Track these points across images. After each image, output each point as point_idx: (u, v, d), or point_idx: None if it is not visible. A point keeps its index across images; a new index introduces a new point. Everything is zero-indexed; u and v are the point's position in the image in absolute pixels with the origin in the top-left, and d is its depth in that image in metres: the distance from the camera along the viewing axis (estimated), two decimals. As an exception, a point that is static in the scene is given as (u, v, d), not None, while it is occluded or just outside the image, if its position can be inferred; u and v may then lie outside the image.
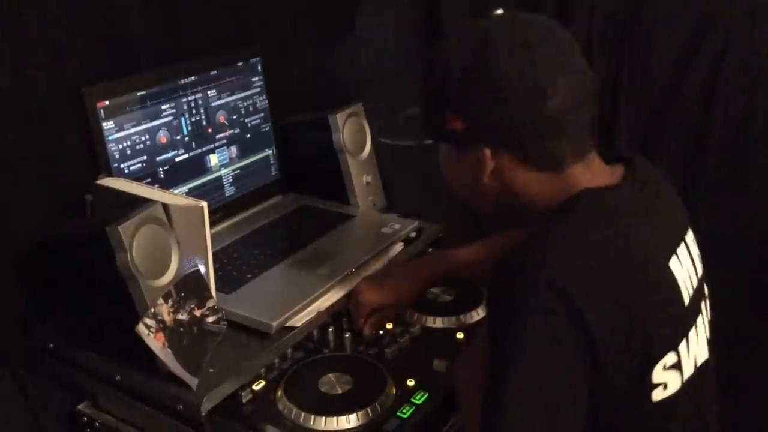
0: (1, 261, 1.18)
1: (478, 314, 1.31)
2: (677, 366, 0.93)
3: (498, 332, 0.90)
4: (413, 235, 1.45)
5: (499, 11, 1.01)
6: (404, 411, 1.08)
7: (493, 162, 0.96)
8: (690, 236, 1.02)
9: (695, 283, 0.99)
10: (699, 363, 0.97)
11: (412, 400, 1.10)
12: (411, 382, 1.13)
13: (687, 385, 0.94)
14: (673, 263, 0.95)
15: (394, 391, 1.12)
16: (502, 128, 0.94)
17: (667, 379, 0.92)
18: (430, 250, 1.49)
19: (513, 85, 0.91)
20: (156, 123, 1.33)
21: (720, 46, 1.66)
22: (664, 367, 0.91)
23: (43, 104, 1.22)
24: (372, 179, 1.57)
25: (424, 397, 1.11)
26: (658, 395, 0.92)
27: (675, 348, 0.93)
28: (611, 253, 0.89)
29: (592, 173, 0.97)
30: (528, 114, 0.92)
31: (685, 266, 0.97)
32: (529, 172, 0.96)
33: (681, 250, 0.97)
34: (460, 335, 1.26)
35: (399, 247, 1.41)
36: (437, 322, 1.29)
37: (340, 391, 1.12)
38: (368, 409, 1.07)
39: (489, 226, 2.00)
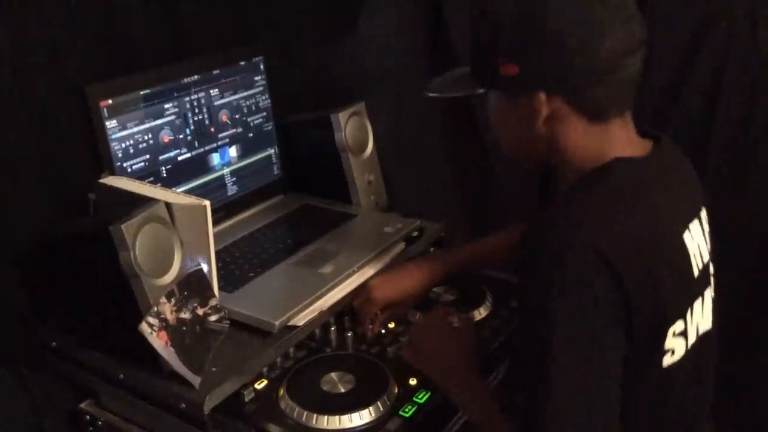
0: (3, 260, 1.18)
1: (480, 314, 1.31)
2: (684, 333, 0.97)
3: (537, 297, 0.90)
4: (415, 234, 1.46)
5: None
6: (406, 410, 1.08)
7: (547, 108, 0.97)
8: (704, 213, 1.05)
9: (705, 257, 1.02)
10: (701, 332, 1.01)
11: (414, 399, 1.11)
12: (413, 381, 1.14)
13: (690, 353, 0.98)
14: (687, 236, 0.98)
15: (396, 390, 1.12)
16: (557, 70, 0.94)
17: (674, 346, 0.96)
18: (432, 249, 1.49)
19: (569, 27, 0.92)
20: (159, 122, 1.33)
21: (721, 46, 1.66)
22: (674, 334, 0.95)
23: (46, 103, 1.21)
24: (374, 178, 1.57)
25: (426, 396, 1.11)
26: (666, 361, 0.95)
27: (683, 316, 0.97)
28: (638, 221, 0.93)
29: (627, 137, 1.00)
30: (583, 56, 0.93)
31: (696, 240, 1.00)
32: (578, 120, 0.97)
33: (694, 224, 1.01)
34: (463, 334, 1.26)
35: (401, 246, 1.41)
36: (439, 322, 1.30)
37: (342, 390, 1.13)
38: (370, 408, 1.08)
39: (491, 225, 2.01)
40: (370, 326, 1.25)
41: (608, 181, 0.96)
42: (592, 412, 0.89)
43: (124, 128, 1.27)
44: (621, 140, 0.99)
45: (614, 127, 0.98)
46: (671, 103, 1.73)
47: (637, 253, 0.90)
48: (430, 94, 1.10)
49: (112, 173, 1.25)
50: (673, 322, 0.95)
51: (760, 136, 1.68)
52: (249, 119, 1.52)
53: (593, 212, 0.92)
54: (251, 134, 1.53)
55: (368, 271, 1.31)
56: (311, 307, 1.21)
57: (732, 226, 1.70)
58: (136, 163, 1.30)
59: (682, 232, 0.98)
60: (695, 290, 1.00)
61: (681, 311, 0.96)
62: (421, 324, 1.22)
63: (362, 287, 1.27)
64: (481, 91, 1.02)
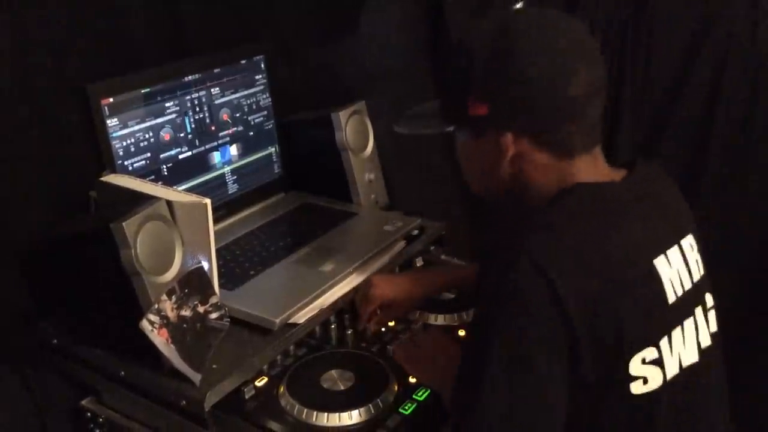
0: (5, 257, 1.19)
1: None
2: (658, 362, 0.95)
3: (481, 304, 0.94)
4: (415, 232, 1.46)
5: (519, 5, 1.04)
6: (406, 407, 1.09)
7: (513, 148, 0.98)
8: (688, 241, 1.03)
9: (687, 285, 1.00)
10: (685, 364, 0.98)
11: (414, 396, 1.11)
12: (413, 379, 1.14)
13: (671, 385, 0.96)
14: (660, 262, 0.97)
15: (396, 387, 1.12)
16: (526, 111, 0.96)
17: (646, 374, 0.94)
18: (432, 248, 1.49)
19: (538, 69, 0.94)
20: (160, 120, 1.34)
21: (721, 46, 1.66)
22: (643, 361, 0.93)
23: (47, 102, 1.22)
24: (374, 177, 1.57)
25: (426, 393, 1.11)
26: (637, 389, 0.93)
27: (655, 344, 0.94)
28: (593, 243, 0.93)
29: (596, 168, 1.01)
30: (552, 96, 0.95)
31: (675, 267, 0.98)
32: (544, 157, 0.98)
33: (673, 251, 0.99)
34: (461, 332, 1.27)
35: (401, 244, 1.42)
36: (439, 320, 1.30)
37: (342, 388, 1.13)
38: (370, 405, 1.08)
39: (491, 224, 2.01)
40: (367, 324, 1.26)
41: (567, 203, 0.96)
42: (516, 420, 0.90)
43: (125, 126, 1.28)
44: (587, 171, 1.00)
45: (580, 162, 0.99)
46: (671, 103, 1.73)
47: (584, 273, 0.90)
48: (398, 130, 1.11)
49: (113, 171, 1.25)
50: (638, 350, 0.92)
51: (760, 136, 1.69)
52: (250, 118, 1.52)
53: (541, 231, 0.93)
54: (252, 133, 1.53)
55: (368, 269, 1.32)
56: (311, 305, 1.21)
57: (732, 226, 1.71)
58: (137, 162, 1.30)
59: (653, 258, 0.96)
60: (672, 318, 0.97)
61: (649, 339, 0.94)
62: (413, 339, 1.24)
63: (364, 282, 1.28)
64: (450, 129, 1.04)
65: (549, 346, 0.89)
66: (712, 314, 1.04)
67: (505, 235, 0.97)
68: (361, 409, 1.07)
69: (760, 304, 1.75)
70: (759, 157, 1.70)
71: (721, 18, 1.66)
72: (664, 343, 0.95)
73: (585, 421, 0.94)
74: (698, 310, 1.02)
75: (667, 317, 0.97)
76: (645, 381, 0.94)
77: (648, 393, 0.94)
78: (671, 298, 0.97)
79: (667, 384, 0.95)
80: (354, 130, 1.53)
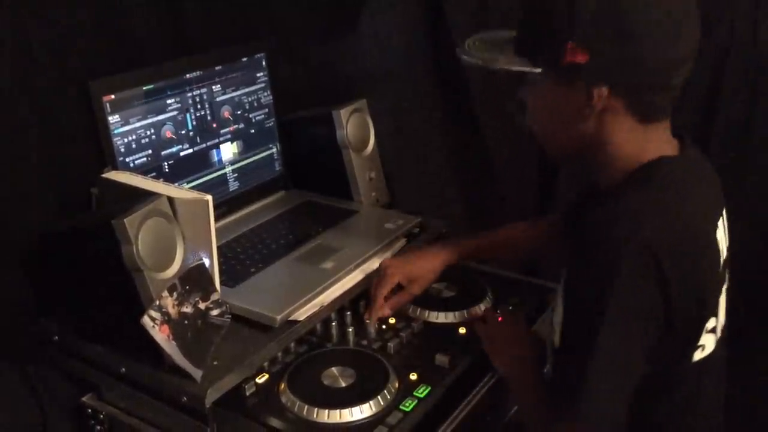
0: (6, 254, 1.19)
1: (481, 310, 1.32)
2: (714, 330, 0.99)
3: (590, 289, 0.92)
4: (416, 230, 1.46)
5: None
6: (407, 405, 1.09)
7: (604, 103, 0.94)
8: (724, 212, 1.05)
9: (725, 254, 1.03)
10: (721, 327, 1.02)
11: (415, 393, 1.11)
12: (414, 376, 1.14)
13: (716, 348, 1.00)
14: (719, 233, 1.00)
15: (396, 384, 1.13)
16: (628, 69, 0.92)
17: (705, 341, 0.97)
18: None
19: (649, 26, 0.90)
20: (161, 117, 1.34)
21: (722, 46, 1.67)
22: (706, 330, 0.97)
23: (49, 99, 1.22)
24: (375, 175, 1.57)
25: (427, 391, 1.12)
26: (697, 356, 0.97)
27: (715, 312, 0.98)
28: (686, 219, 0.94)
29: (666, 137, 1.01)
30: (657, 58, 0.91)
31: (722, 236, 1.01)
32: (628, 119, 0.96)
33: (721, 222, 1.02)
34: (462, 330, 1.27)
35: (402, 242, 1.42)
36: (440, 318, 1.30)
37: (343, 385, 1.13)
38: (371, 402, 1.08)
39: (490, 222, 2.01)
40: (382, 308, 1.25)
41: (660, 179, 0.95)
42: (617, 399, 0.93)
43: (127, 123, 1.28)
44: (661, 141, 0.99)
45: (657, 130, 0.99)
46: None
47: (686, 254, 0.91)
48: (469, 59, 1.02)
49: (115, 168, 1.25)
50: (707, 320, 0.96)
51: (761, 136, 1.69)
52: (251, 115, 1.52)
53: (650, 211, 0.92)
54: (253, 130, 1.53)
55: (369, 267, 1.32)
56: (312, 302, 1.21)
57: (732, 226, 1.71)
58: (139, 158, 1.31)
59: (716, 228, 0.99)
60: (720, 287, 1.01)
61: (714, 308, 0.98)
62: (495, 320, 1.26)
63: (378, 270, 1.28)
64: (538, 70, 0.96)
65: (652, 325, 0.91)
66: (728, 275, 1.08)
67: (608, 213, 0.94)
68: (362, 406, 1.07)
69: (760, 304, 1.76)
70: (758, 158, 1.70)
71: (722, 18, 1.66)
72: (719, 310, 1.00)
73: (648, 391, 0.97)
74: (727, 275, 1.05)
75: (720, 286, 1.01)
76: (703, 348, 0.97)
77: (703, 358, 0.98)
78: (721, 268, 1.00)
79: (714, 348, 1.00)
80: (355, 128, 1.53)
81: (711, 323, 0.98)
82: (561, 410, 0.96)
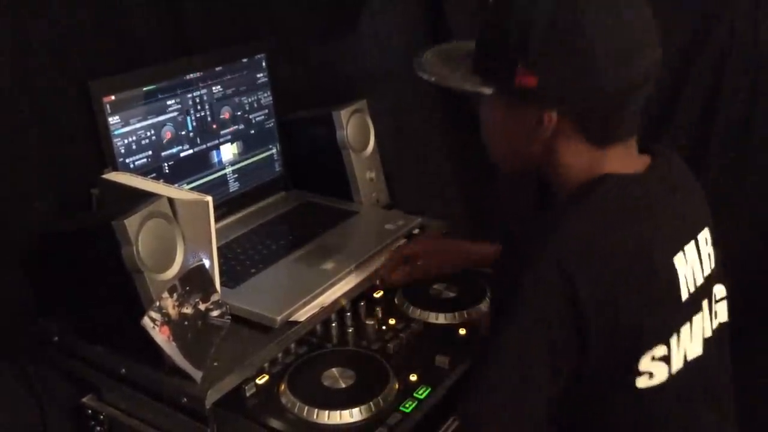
0: (6, 255, 1.19)
1: (481, 311, 1.32)
2: (666, 359, 0.94)
3: (498, 298, 0.94)
4: (416, 231, 1.46)
5: None
6: (407, 406, 1.09)
7: (554, 127, 0.93)
8: (704, 234, 1.01)
9: (699, 281, 0.98)
10: (690, 358, 0.97)
11: (415, 395, 1.11)
12: (413, 377, 1.14)
13: (675, 378, 0.95)
14: (679, 258, 0.95)
15: (396, 386, 1.13)
16: (579, 93, 0.90)
17: (653, 369, 0.93)
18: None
19: (602, 51, 0.87)
20: (161, 118, 1.34)
21: (722, 46, 1.67)
22: (653, 358, 0.92)
23: (49, 99, 1.22)
24: (375, 176, 1.57)
25: (427, 392, 1.12)
26: (642, 383, 0.93)
27: (665, 341, 0.93)
28: (618, 243, 0.90)
29: (627, 158, 0.97)
30: (609, 84, 0.89)
31: (690, 263, 0.97)
32: (579, 143, 0.94)
33: (689, 247, 0.97)
34: (462, 331, 1.27)
35: (402, 243, 1.41)
36: (440, 318, 1.30)
37: (343, 386, 1.13)
38: (371, 403, 1.08)
39: (491, 223, 2.01)
40: (386, 273, 1.28)
41: (596, 197, 0.92)
42: (516, 408, 0.91)
43: (127, 124, 1.28)
44: (618, 161, 0.96)
45: (615, 151, 0.96)
46: (671, 102, 1.73)
47: (607, 276, 0.88)
48: (424, 76, 1.01)
49: (115, 169, 1.25)
50: (649, 348, 0.92)
51: (760, 137, 1.69)
52: (251, 116, 1.52)
53: (570, 229, 0.90)
54: (253, 131, 1.53)
55: (369, 268, 1.32)
56: (312, 303, 1.21)
57: (732, 226, 1.71)
58: (139, 159, 1.31)
59: (674, 254, 0.95)
60: (683, 315, 0.96)
61: (662, 336, 0.93)
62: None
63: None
64: (488, 91, 0.95)
65: (557, 345, 0.89)
66: (721, 305, 1.03)
67: (531, 225, 0.94)
68: (362, 407, 1.07)
69: (760, 304, 1.75)
70: (758, 158, 1.70)
71: (722, 18, 1.66)
72: (673, 340, 0.94)
73: (590, 415, 0.94)
74: (705, 303, 1.00)
75: (679, 315, 0.96)
76: (651, 375, 0.93)
77: (653, 387, 0.93)
78: (684, 296, 0.95)
79: (671, 377, 0.94)
80: (355, 129, 1.53)
81: (659, 351, 0.92)
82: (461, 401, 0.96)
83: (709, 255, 1.01)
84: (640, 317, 0.90)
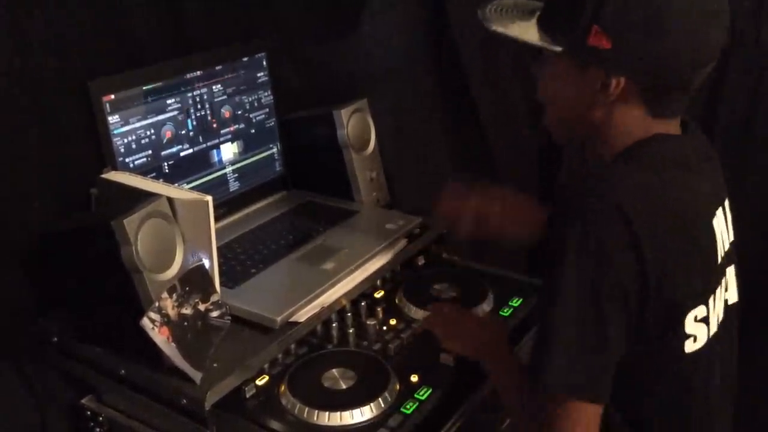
0: (5, 254, 1.18)
1: (483, 310, 1.31)
2: (705, 320, 0.95)
3: (558, 243, 0.90)
4: (417, 231, 1.45)
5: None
6: (408, 407, 1.08)
7: (619, 93, 0.92)
8: (727, 202, 1.03)
9: (727, 245, 1.01)
10: (720, 320, 1.00)
11: (416, 395, 1.11)
12: (415, 378, 1.14)
13: (711, 340, 0.97)
14: (716, 222, 0.97)
15: (397, 386, 1.12)
16: (650, 64, 0.90)
17: (697, 332, 0.95)
18: (434, 246, 1.48)
19: (677, 25, 0.88)
20: (161, 117, 1.33)
21: (725, 45, 1.66)
22: (695, 319, 0.94)
23: (48, 98, 1.21)
24: (376, 175, 1.57)
25: (428, 392, 1.11)
26: (689, 347, 0.94)
27: (705, 302, 0.95)
28: (673, 197, 0.92)
29: (671, 128, 0.99)
30: (682, 57, 0.89)
31: (721, 228, 0.99)
32: (637, 111, 0.94)
33: (720, 211, 1.00)
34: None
35: (403, 242, 1.41)
36: (441, 319, 1.29)
37: (343, 387, 1.13)
38: (372, 404, 1.07)
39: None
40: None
41: (650, 152, 0.94)
42: (588, 362, 0.90)
43: (127, 123, 1.27)
44: (665, 130, 0.97)
45: (665, 123, 0.97)
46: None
47: (665, 228, 0.89)
48: (490, 27, 0.98)
49: (115, 169, 1.24)
50: (694, 307, 0.93)
51: (762, 137, 1.68)
52: (251, 115, 1.52)
53: (629, 179, 0.91)
54: (253, 130, 1.52)
55: (370, 268, 1.31)
56: (313, 304, 1.21)
57: (732, 226, 1.71)
58: (139, 159, 1.30)
59: (713, 217, 0.97)
60: (717, 277, 0.99)
61: (704, 297, 0.95)
62: (439, 310, 1.24)
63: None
64: (558, 49, 0.94)
65: (622, 293, 0.88)
66: (735, 270, 1.06)
67: (586, 178, 0.94)
68: (363, 408, 1.07)
69: (760, 304, 1.75)
70: (759, 158, 1.70)
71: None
72: (711, 301, 0.96)
73: (636, 377, 0.94)
74: (730, 270, 1.03)
75: (715, 276, 0.98)
76: (695, 339, 0.94)
77: (696, 351, 0.95)
78: (720, 257, 0.98)
79: (708, 340, 0.97)
80: (356, 128, 1.53)
81: (700, 312, 0.94)
82: (532, 378, 0.94)
83: (729, 224, 1.04)
84: (687, 272, 0.92)
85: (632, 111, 0.95)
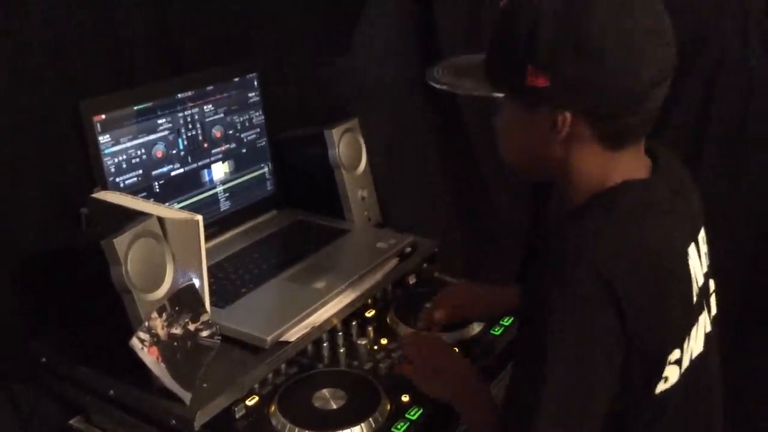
0: (-6, 275, 1.18)
1: (474, 330, 1.31)
2: (678, 361, 0.95)
3: (538, 317, 0.90)
4: (408, 250, 1.45)
5: None
6: (398, 427, 1.08)
7: (568, 129, 0.91)
8: (702, 233, 1.02)
9: (701, 281, 0.99)
10: (694, 356, 0.98)
11: (407, 415, 1.10)
12: (405, 398, 1.13)
13: (682, 378, 0.96)
14: (690, 262, 0.96)
15: (388, 406, 1.11)
16: (591, 92, 0.88)
17: (669, 373, 0.94)
18: (425, 265, 1.49)
19: (612, 47, 0.86)
20: (152, 137, 1.33)
21: (713, 64, 1.68)
22: (670, 362, 0.93)
23: (40, 118, 1.21)
24: (367, 194, 1.57)
25: (419, 412, 1.10)
26: (659, 388, 0.94)
27: (680, 345, 0.94)
28: (648, 247, 0.90)
29: (636, 162, 0.97)
30: (621, 81, 0.88)
31: (694, 265, 0.97)
32: (593, 146, 0.93)
33: (692, 248, 0.98)
34: (455, 350, 1.26)
35: (394, 261, 1.41)
36: (432, 338, 1.29)
37: (334, 407, 1.12)
38: (362, 424, 1.07)
39: (484, 243, 2.01)
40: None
41: (620, 204, 0.92)
42: (579, 421, 0.90)
43: (118, 143, 1.27)
44: (630, 164, 0.96)
45: (626, 156, 0.95)
46: (667, 103, 1.74)
47: (644, 282, 0.88)
48: (436, 85, 1.00)
49: (105, 188, 1.24)
50: (671, 352, 0.93)
51: (755, 137, 1.69)
52: (242, 135, 1.52)
53: (605, 235, 0.90)
54: (245, 150, 1.53)
55: (361, 287, 1.31)
56: (303, 323, 1.20)
57: (727, 226, 1.71)
58: (129, 178, 1.30)
59: (687, 257, 0.96)
60: (693, 316, 0.98)
61: (679, 339, 0.94)
62: (414, 343, 1.22)
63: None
64: (499, 94, 0.95)
65: (609, 349, 0.88)
66: (713, 299, 1.05)
67: (561, 240, 0.93)
68: (353, 429, 1.06)
69: (757, 304, 1.76)
70: (753, 158, 1.70)
71: (712, 37, 1.67)
72: (686, 342, 0.95)
73: (610, 424, 0.94)
74: (704, 302, 1.01)
75: (691, 316, 0.97)
76: (666, 380, 0.94)
77: (665, 390, 0.94)
78: (694, 298, 0.97)
79: (679, 379, 0.96)
80: (347, 147, 1.53)
81: (675, 355, 0.93)
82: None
83: (705, 253, 1.02)
84: (667, 322, 0.91)
85: (587, 147, 0.94)
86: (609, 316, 0.87)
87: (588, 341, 0.88)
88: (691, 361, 0.98)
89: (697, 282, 0.98)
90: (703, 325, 1.01)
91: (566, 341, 0.87)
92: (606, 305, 0.86)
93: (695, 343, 0.98)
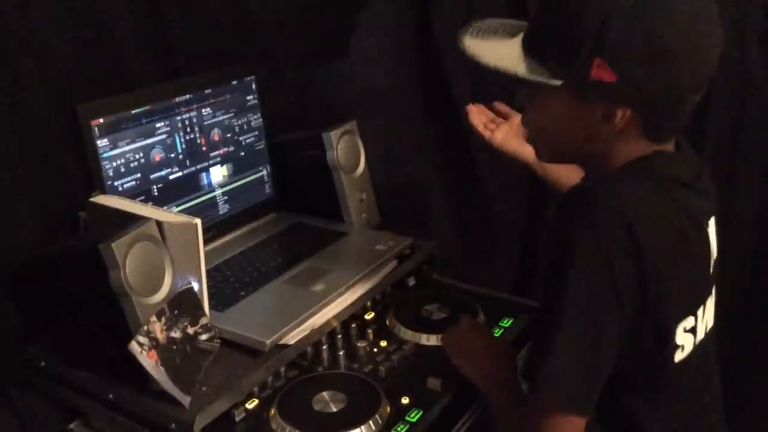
0: (-7, 279, 1.18)
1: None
2: (693, 330, 0.96)
3: (559, 259, 0.90)
4: (407, 252, 1.45)
5: None
6: (398, 429, 1.08)
7: (623, 124, 0.91)
8: (713, 218, 1.04)
9: (716, 255, 1.02)
10: (708, 329, 1.01)
11: (407, 418, 1.10)
12: (405, 400, 1.13)
13: (697, 348, 0.98)
14: (710, 232, 0.99)
15: (388, 409, 1.11)
16: (657, 91, 0.88)
17: (684, 342, 0.95)
18: (424, 267, 1.48)
19: (683, 48, 0.86)
20: (150, 141, 1.33)
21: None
22: (684, 330, 0.95)
23: (38, 121, 1.22)
24: (366, 197, 1.57)
25: (419, 415, 1.10)
26: (678, 356, 0.95)
27: (695, 312, 0.96)
28: (671, 208, 0.92)
29: (666, 148, 0.98)
30: (685, 80, 0.88)
31: (712, 240, 1.00)
32: (638, 139, 0.93)
33: (711, 223, 1.01)
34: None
35: (393, 264, 1.41)
36: (431, 340, 1.29)
37: (334, 410, 1.12)
38: (362, 427, 1.07)
39: (482, 244, 2.00)
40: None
41: (649, 168, 0.93)
42: (583, 372, 0.90)
43: (116, 147, 1.27)
44: (661, 149, 0.98)
45: (663, 145, 0.97)
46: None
47: (665, 236, 0.89)
48: (481, 61, 0.93)
49: (103, 192, 1.24)
50: (684, 317, 0.94)
51: (753, 137, 1.69)
52: (241, 138, 1.52)
53: (632, 189, 0.91)
54: (243, 153, 1.53)
55: (360, 289, 1.31)
56: (303, 326, 1.20)
57: (726, 227, 1.71)
58: (128, 182, 1.30)
59: (707, 227, 0.98)
60: (708, 287, 1.00)
61: (694, 307, 0.96)
62: (458, 328, 1.24)
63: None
64: (557, 83, 0.90)
65: (620, 301, 0.88)
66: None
67: (587, 189, 0.94)
68: (354, 431, 1.06)
69: (757, 304, 1.76)
70: (753, 158, 1.70)
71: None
72: (700, 311, 0.97)
73: (625, 390, 0.95)
74: (715, 281, 1.04)
75: (706, 287, 0.99)
76: (682, 349, 0.95)
77: (683, 360, 0.96)
78: (711, 268, 0.99)
79: (694, 349, 0.97)
80: (345, 150, 1.53)
81: (689, 322, 0.95)
82: (529, 384, 0.94)
83: (717, 235, 1.04)
84: (682, 283, 0.92)
85: (634, 139, 0.94)
86: (627, 260, 0.87)
87: (605, 281, 0.87)
88: (706, 333, 1.00)
89: (713, 256, 1.00)
90: (713, 301, 1.03)
91: (587, 277, 0.87)
92: (625, 249, 0.86)
93: (709, 315, 1.00)
